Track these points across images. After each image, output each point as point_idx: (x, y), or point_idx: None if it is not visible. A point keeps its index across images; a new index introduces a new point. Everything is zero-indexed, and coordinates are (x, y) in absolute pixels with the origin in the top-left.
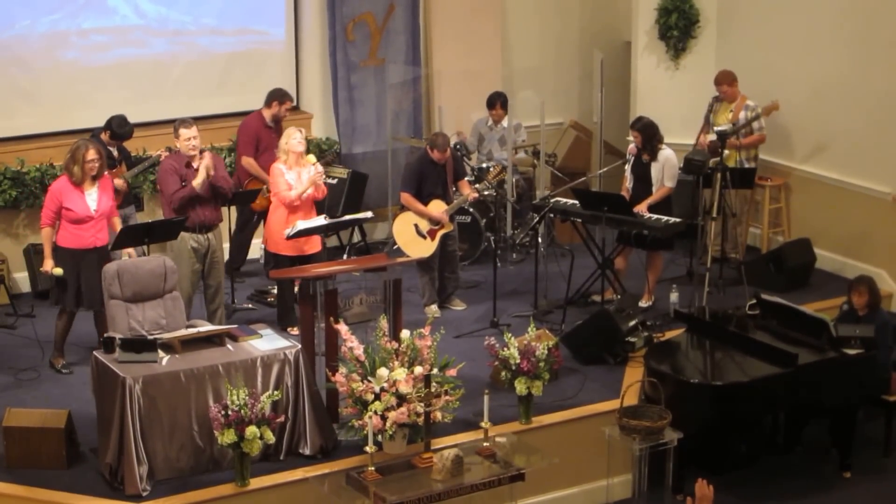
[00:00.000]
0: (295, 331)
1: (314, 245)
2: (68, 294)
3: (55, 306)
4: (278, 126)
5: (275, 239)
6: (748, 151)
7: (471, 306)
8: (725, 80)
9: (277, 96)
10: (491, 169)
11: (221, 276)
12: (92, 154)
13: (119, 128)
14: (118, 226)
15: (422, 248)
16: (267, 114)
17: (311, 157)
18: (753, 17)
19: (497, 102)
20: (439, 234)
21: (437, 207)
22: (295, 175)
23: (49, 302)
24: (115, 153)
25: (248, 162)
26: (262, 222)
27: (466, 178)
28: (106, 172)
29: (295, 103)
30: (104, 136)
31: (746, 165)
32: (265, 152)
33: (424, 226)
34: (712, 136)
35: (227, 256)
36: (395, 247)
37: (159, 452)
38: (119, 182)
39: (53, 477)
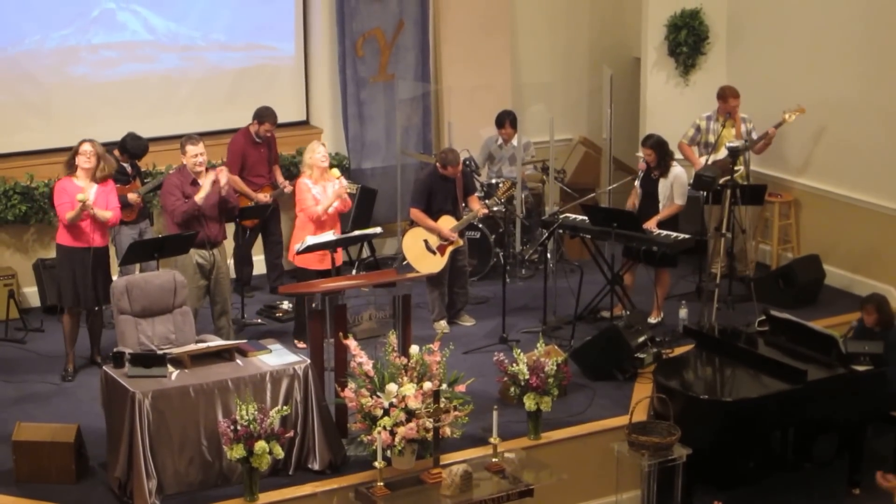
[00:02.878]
0: (302, 345)
1: (338, 258)
2: (64, 292)
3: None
4: (268, 142)
5: (302, 254)
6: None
7: (480, 322)
8: (734, 94)
9: (256, 116)
10: (500, 185)
11: (228, 293)
12: (86, 146)
13: (133, 146)
14: (106, 216)
15: (431, 264)
16: (252, 130)
17: (336, 171)
18: (763, 33)
19: (506, 121)
20: (449, 249)
21: (447, 223)
22: (320, 189)
23: (58, 303)
24: (129, 169)
25: (232, 179)
26: (257, 236)
27: (476, 194)
28: (112, 181)
29: (276, 123)
30: (117, 153)
31: (753, 179)
32: (254, 168)
33: (434, 241)
34: (718, 156)
35: (232, 274)
36: (405, 262)
37: (168, 467)
38: (133, 197)
39: (62, 491)
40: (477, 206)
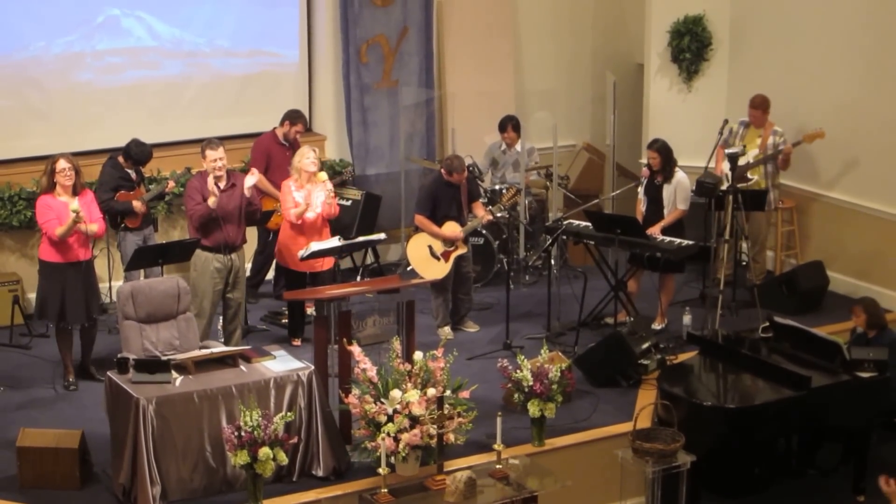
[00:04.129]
0: (297, 342)
1: (326, 262)
2: (51, 309)
3: (40, 321)
4: (294, 145)
5: (284, 254)
6: (773, 178)
7: (484, 328)
8: (761, 106)
9: (289, 117)
10: (504, 191)
11: (243, 296)
12: (62, 164)
13: (137, 153)
14: (94, 227)
15: (436, 270)
16: (279, 132)
17: (322, 175)
18: (766, 40)
19: (508, 125)
20: (453, 255)
21: (452, 229)
22: (304, 194)
23: (34, 317)
24: (133, 176)
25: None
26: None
27: (480, 200)
28: (90, 191)
29: (308, 126)
30: (121, 160)
31: (771, 191)
32: (277, 169)
33: (438, 247)
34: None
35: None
36: (410, 268)
37: (172, 473)
38: (137, 205)
39: (67, 497)
40: (481, 213)
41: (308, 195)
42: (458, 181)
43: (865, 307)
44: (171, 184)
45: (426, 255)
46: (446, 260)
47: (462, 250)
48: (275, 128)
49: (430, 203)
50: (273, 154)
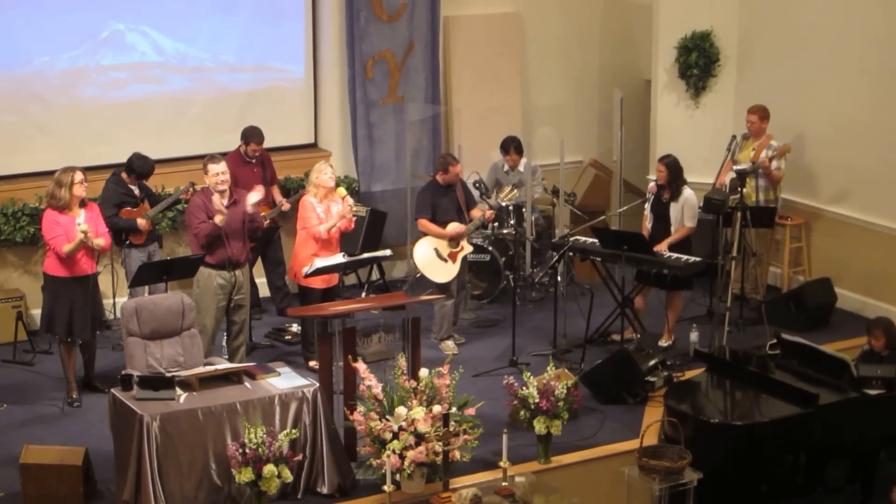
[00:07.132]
0: (316, 364)
1: (333, 277)
2: (59, 324)
3: (46, 335)
4: (262, 161)
5: (299, 272)
6: (766, 192)
7: (490, 345)
8: (758, 112)
9: (242, 136)
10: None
11: (247, 314)
12: (80, 176)
13: (139, 166)
14: (101, 242)
15: (444, 272)
16: (241, 150)
17: (342, 190)
18: (773, 55)
19: (511, 147)
20: (459, 256)
21: (455, 228)
22: (324, 208)
23: (40, 331)
24: (137, 192)
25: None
26: (256, 257)
27: (479, 206)
28: (94, 205)
29: (263, 144)
30: (124, 175)
31: (763, 205)
32: (245, 188)
33: (444, 249)
34: (732, 175)
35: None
36: (418, 275)
37: (176, 490)
38: (142, 223)
39: None
40: (480, 214)
41: (328, 210)
42: (454, 177)
43: (886, 329)
44: (191, 191)
45: (433, 258)
46: (454, 261)
47: (468, 249)
48: (240, 145)
49: (430, 206)
50: (240, 172)
